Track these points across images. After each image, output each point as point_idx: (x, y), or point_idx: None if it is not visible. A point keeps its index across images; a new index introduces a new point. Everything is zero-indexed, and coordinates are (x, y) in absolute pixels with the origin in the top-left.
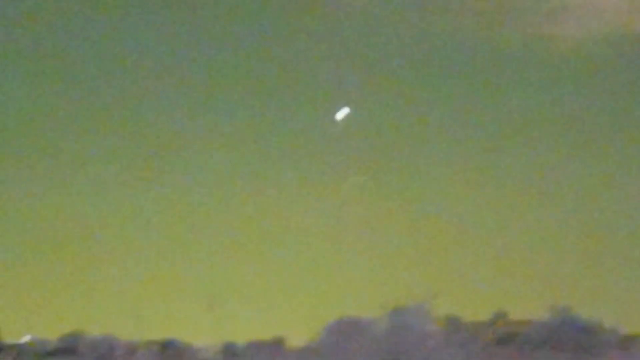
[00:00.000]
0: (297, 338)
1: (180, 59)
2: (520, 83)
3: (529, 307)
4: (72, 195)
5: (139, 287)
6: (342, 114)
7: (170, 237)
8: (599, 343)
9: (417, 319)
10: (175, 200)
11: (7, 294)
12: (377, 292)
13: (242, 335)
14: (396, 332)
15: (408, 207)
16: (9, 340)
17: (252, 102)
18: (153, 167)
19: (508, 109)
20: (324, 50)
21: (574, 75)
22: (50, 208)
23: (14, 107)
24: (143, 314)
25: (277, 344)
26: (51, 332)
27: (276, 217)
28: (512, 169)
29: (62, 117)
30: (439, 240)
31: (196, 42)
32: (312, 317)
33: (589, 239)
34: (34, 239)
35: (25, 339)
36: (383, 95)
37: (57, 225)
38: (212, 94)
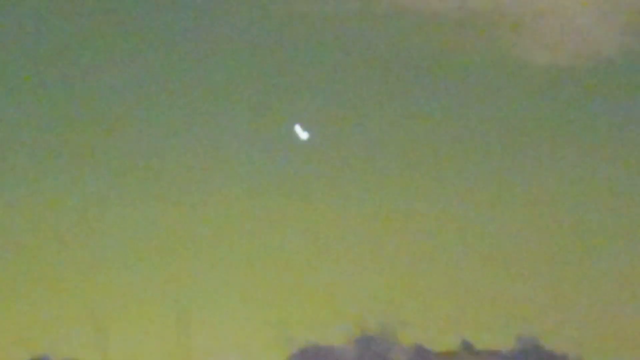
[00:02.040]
0: None
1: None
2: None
3: (496, 337)
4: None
5: (106, 310)
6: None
7: (134, 257)
8: None
9: (384, 348)
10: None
11: None
12: (344, 320)
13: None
14: None
15: (374, 234)
16: None
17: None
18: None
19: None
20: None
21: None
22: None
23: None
24: (110, 339)
25: None
26: (15, 356)
27: (237, 242)
28: (475, 195)
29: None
30: (406, 268)
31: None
32: (278, 345)
33: (557, 269)
34: None
35: None
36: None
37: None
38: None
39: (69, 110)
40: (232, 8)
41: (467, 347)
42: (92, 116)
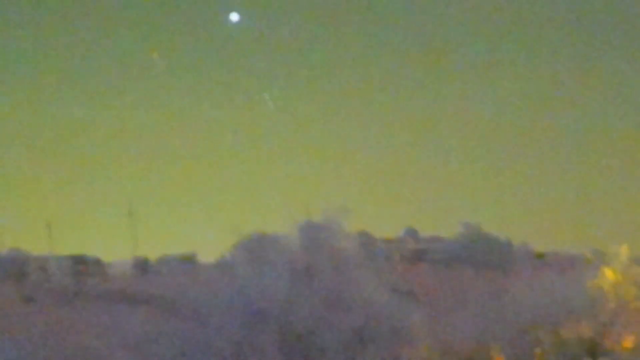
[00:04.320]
0: (210, 254)
1: None
2: None
3: (440, 224)
4: None
5: (51, 199)
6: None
7: (86, 150)
8: (510, 259)
9: (329, 235)
10: (92, 115)
11: None
12: (291, 208)
13: (153, 250)
14: (308, 248)
15: (322, 126)
16: None
17: None
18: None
19: None
20: None
21: None
22: None
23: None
24: (56, 228)
25: (189, 260)
26: None
27: (193, 134)
28: (424, 83)
29: None
30: (352, 157)
31: None
32: (224, 233)
33: (500, 157)
34: None
35: None
36: None
37: None
38: None
39: None
40: None
41: (411, 233)
42: None
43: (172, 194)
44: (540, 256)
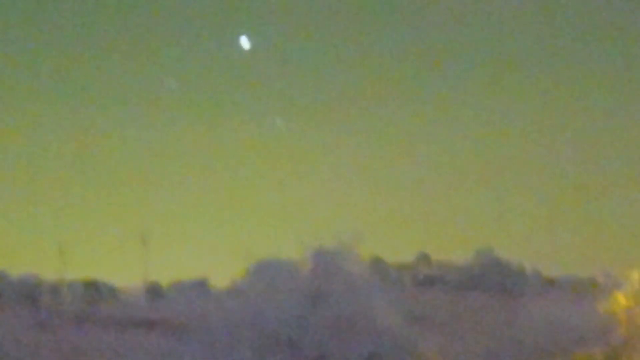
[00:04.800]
0: (221, 279)
1: None
2: None
3: (452, 249)
4: None
5: (63, 223)
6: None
7: (96, 174)
8: (522, 285)
9: (341, 260)
10: (103, 138)
11: None
12: (302, 233)
13: (165, 276)
14: (320, 273)
15: (335, 151)
16: None
17: None
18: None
19: None
20: None
21: None
22: None
23: None
24: (68, 252)
25: (200, 285)
26: None
27: (205, 159)
28: (432, 110)
29: None
30: (363, 182)
31: None
32: (236, 258)
33: (512, 183)
34: None
35: None
36: None
37: None
38: None
39: None
40: None
41: (423, 258)
42: None
43: (184, 220)
44: (551, 281)
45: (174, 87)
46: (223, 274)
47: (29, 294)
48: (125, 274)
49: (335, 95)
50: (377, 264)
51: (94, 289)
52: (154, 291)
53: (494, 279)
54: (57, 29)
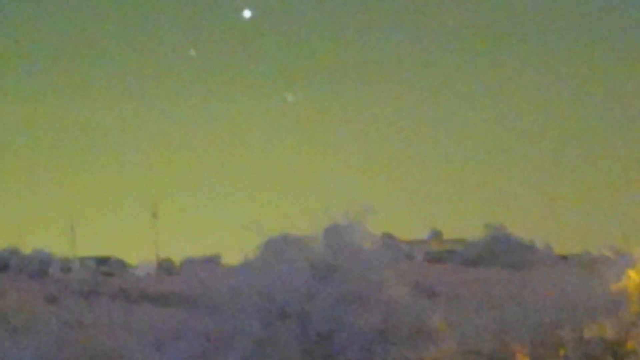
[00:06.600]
0: (234, 256)
1: None
2: None
3: (464, 225)
4: None
5: (75, 202)
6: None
7: (108, 150)
8: (532, 260)
9: (352, 235)
10: (114, 114)
11: None
12: (314, 209)
13: (177, 252)
14: (332, 249)
15: (347, 126)
16: None
17: None
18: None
19: None
20: None
21: None
22: None
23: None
24: (79, 229)
25: (213, 261)
26: None
27: (216, 135)
28: (447, 89)
29: None
30: (376, 158)
31: None
32: (249, 235)
33: (524, 159)
34: None
35: None
36: None
37: None
38: None
39: None
40: None
41: (435, 235)
42: None
43: (196, 196)
44: (563, 257)
45: (193, 54)
46: (236, 250)
47: (40, 269)
48: (137, 251)
49: (350, 69)
50: (389, 239)
51: (105, 265)
52: (166, 268)
53: (504, 254)
54: None
